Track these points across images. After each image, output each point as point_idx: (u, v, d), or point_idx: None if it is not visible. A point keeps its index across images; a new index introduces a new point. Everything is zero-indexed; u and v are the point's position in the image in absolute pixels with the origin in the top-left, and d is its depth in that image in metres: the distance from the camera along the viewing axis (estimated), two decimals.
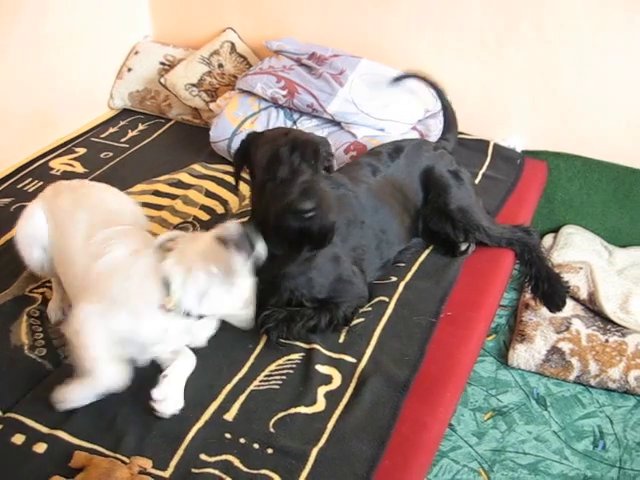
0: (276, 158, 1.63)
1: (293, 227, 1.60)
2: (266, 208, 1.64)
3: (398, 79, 2.55)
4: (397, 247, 2.09)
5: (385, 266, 2.05)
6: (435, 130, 2.65)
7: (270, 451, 1.49)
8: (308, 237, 1.64)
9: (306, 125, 2.63)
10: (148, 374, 1.60)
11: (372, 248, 1.99)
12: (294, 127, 2.64)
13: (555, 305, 2.19)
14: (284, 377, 1.68)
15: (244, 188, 2.56)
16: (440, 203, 2.13)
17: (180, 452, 1.49)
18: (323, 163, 1.74)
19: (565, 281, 2.20)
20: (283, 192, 1.60)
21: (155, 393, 1.55)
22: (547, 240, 2.85)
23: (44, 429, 1.53)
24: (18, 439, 1.51)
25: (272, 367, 1.71)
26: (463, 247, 2.14)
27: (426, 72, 2.52)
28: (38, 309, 1.94)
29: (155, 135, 2.99)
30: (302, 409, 1.60)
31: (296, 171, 1.62)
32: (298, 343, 1.78)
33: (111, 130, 3.03)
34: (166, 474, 1.44)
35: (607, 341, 2.33)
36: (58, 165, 2.74)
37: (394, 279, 2.02)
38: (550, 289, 2.15)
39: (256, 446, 1.50)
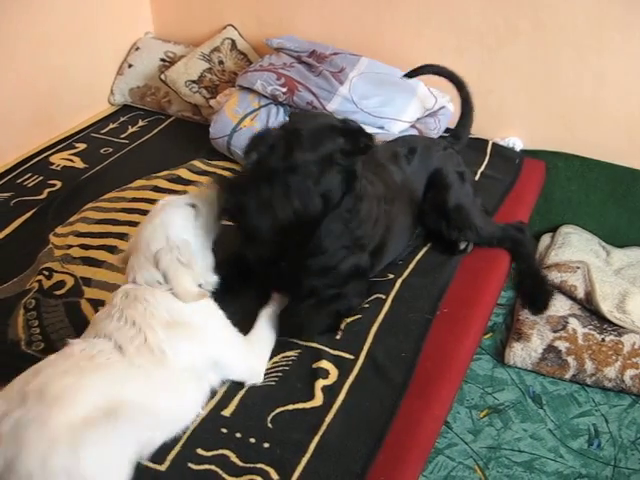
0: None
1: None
2: None
3: (414, 73, 2.53)
4: (403, 252, 2.11)
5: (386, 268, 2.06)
6: (434, 129, 2.66)
7: (266, 445, 1.50)
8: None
9: None
10: None
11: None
12: None
13: (536, 308, 2.20)
14: (280, 374, 1.69)
15: None
16: (439, 201, 2.13)
17: (177, 448, 1.49)
18: None
19: (551, 285, 2.18)
20: None
21: None
22: (545, 239, 2.86)
23: None
24: None
25: (268, 364, 1.71)
26: (462, 246, 2.15)
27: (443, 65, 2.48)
28: (34, 298, 1.96)
29: (155, 131, 2.99)
30: (300, 405, 1.60)
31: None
32: (294, 340, 1.78)
33: (111, 126, 3.03)
34: (162, 468, 1.45)
35: (603, 340, 2.34)
36: (58, 160, 2.75)
37: (391, 276, 2.02)
38: (534, 290, 2.16)
39: (252, 440, 1.51)
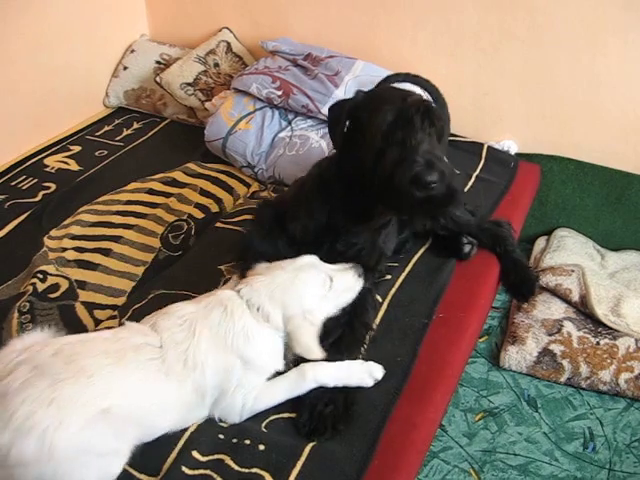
0: (405, 123, 1.63)
1: (419, 197, 1.61)
2: (389, 177, 1.64)
3: (386, 80, 2.53)
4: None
5: None
6: None
7: (262, 447, 1.49)
8: (433, 203, 1.65)
9: (301, 125, 2.64)
10: None
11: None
12: (291, 125, 2.65)
13: (522, 296, 2.21)
14: None
15: (239, 187, 2.58)
16: None
17: (173, 455, 1.47)
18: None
19: (534, 272, 2.19)
20: (409, 162, 1.60)
21: None
22: (540, 243, 2.87)
23: None
24: None
25: None
26: (466, 249, 2.13)
27: (416, 72, 2.43)
28: (28, 301, 1.95)
29: (150, 134, 2.99)
30: (295, 414, 1.58)
31: (419, 139, 1.62)
32: None
33: (106, 128, 3.03)
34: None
35: (598, 344, 2.34)
36: (53, 163, 2.74)
37: (388, 277, 2.02)
38: (518, 280, 2.16)
39: (247, 442, 1.50)
